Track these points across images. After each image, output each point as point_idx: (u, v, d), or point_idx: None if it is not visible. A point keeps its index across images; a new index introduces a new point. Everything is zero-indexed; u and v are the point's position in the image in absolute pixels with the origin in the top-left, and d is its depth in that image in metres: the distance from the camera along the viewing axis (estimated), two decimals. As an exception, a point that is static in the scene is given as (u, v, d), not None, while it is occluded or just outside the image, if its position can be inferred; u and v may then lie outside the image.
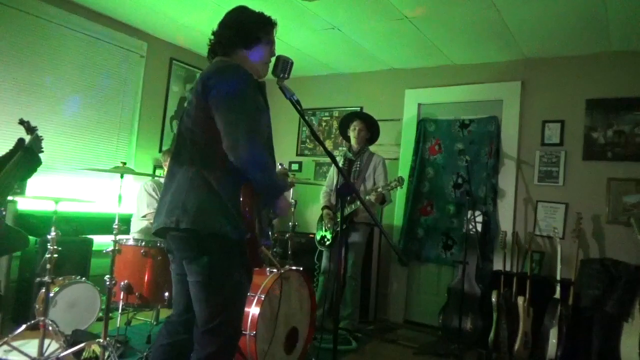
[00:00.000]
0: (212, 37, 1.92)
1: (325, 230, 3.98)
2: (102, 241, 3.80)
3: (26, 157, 2.38)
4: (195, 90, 1.76)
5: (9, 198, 2.77)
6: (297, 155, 5.53)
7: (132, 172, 3.00)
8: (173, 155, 1.86)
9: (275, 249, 3.26)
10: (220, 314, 1.72)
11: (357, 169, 3.95)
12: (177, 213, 1.69)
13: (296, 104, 1.91)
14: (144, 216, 3.54)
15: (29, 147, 2.44)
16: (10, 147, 2.51)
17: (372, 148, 4.12)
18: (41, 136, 2.59)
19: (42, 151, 2.59)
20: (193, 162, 1.74)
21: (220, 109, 1.69)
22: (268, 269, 2.86)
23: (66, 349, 2.71)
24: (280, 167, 2.23)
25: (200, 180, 1.71)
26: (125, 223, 3.69)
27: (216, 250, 1.70)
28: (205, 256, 1.70)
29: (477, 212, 4.08)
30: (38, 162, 2.49)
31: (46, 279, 2.70)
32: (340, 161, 4.03)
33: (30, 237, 3.31)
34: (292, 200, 3.36)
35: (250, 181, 1.71)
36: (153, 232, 1.84)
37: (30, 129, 2.58)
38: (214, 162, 1.71)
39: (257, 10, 1.94)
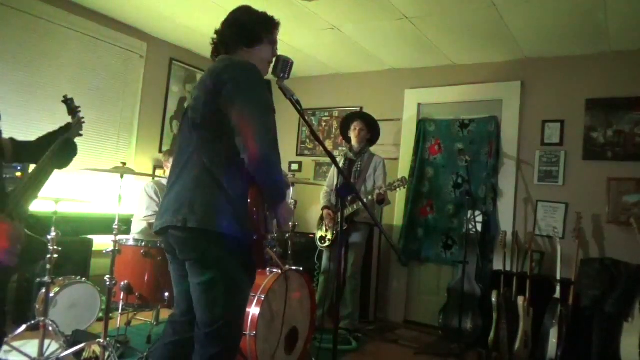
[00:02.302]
0: (215, 36, 1.91)
1: (326, 231, 3.98)
2: (102, 241, 3.80)
3: (66, 144, 2.14)
4: (204, 85, 1.73)
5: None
6: (297, 155, 5.53)
7: (132, 172, 3.00)
8: (177, 154, 1.83)
9: (275, 249, 3.26)
10: (222, 316, 1.71)
11: (358, 169, 3.94)
12: (185, 212, 1.66)
13: (296, 104, 1.91)
14: (145, 217, 3.54)
15: (69, 136, 2.18)
16: (55, 129, 2.26)
17: (372, 148, 4.12)
18: (83, 118, 2.35)
19: (81, 135, 2.33)
20: (200, 159, 1.71)
21: (236, 103, 1.66)
22: (268, 269, 2.86)
23: (66, 350, 2.71)
24: None
25: (208, 178, 1.68)
26: (125, 223, 3.69)
27: (223, 251, 1.68)
28: (210, 257, 1.68)
29: (477, 212, 4.08)
30: (75, 150, 2.21)
31: (46, 279, 2.70)
32: (341, 161, 4.01)
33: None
34: (292, 200, 3.36)
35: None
36: (155, 231, 1.82)
37: (73, 111, 2.33)
38: (223, 160, 1.69)
39: (260, 10, 1.94)
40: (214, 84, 1.70)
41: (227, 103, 1.67)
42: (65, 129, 2.24)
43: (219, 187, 1.67)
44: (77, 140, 2.30)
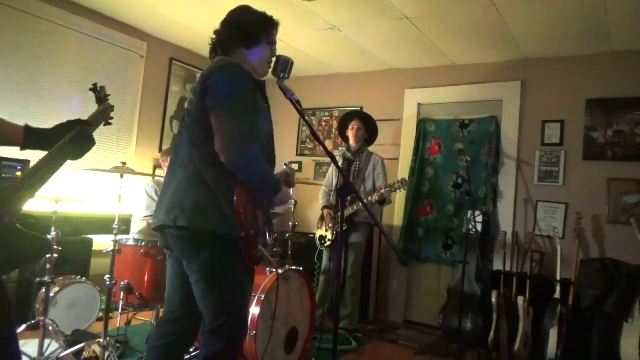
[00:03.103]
0: (214, 36, 1.92)
1: (326, 231, 3.97)
2: (102, 241, 3.80)
3: (81, 136, 1.93)
4: (195, 89, 1.78)
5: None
6: (297, 155, 5.53)
7: (132, 172, 3.00)
8: (174, 154, 1.88)
9: (275, 249, 3.26)
10: (225, 312, 1.74)
11: (357, 168, 3.94)
12: (176, 211, 1.72)
13: (296, 104, 1.91)
14: (145, 217, 3.54)
15: (85, 127, 1.96)
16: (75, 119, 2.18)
17: (372, 147, 4.12)
18: (112, 106, 2.20)
19: (111, 123, 2.20)
20: (191, 161, 1.76)
21: (215, 109, 1.70)
22: (268, 269, 2.86)
23: (66, 349, 2.71)
24: (284, 167, 2.23)
25: (198, 179, 1.73)
26: (125, 223, 3.68)
27: (214, 249, 1.71)
28: (203, 255, 1.72)
29: (477, 212, 4.07)
30: (92, 142, 2.01)
31: (46, 279, 2.70)
32: (340, 161, 4.01)
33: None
34: (292, 200, 3.35)
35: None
36: (153, 229, 1.87)
37: (102, 99, 2.19)
38: (211, 162, 1.72)
39: (260, 10, 1.94)
40: (201, 87, 1.74)
41: (209, 106, 1.71)
42: (86, 122, 2.13)
43: (207, 187, 1.72)
44: None
